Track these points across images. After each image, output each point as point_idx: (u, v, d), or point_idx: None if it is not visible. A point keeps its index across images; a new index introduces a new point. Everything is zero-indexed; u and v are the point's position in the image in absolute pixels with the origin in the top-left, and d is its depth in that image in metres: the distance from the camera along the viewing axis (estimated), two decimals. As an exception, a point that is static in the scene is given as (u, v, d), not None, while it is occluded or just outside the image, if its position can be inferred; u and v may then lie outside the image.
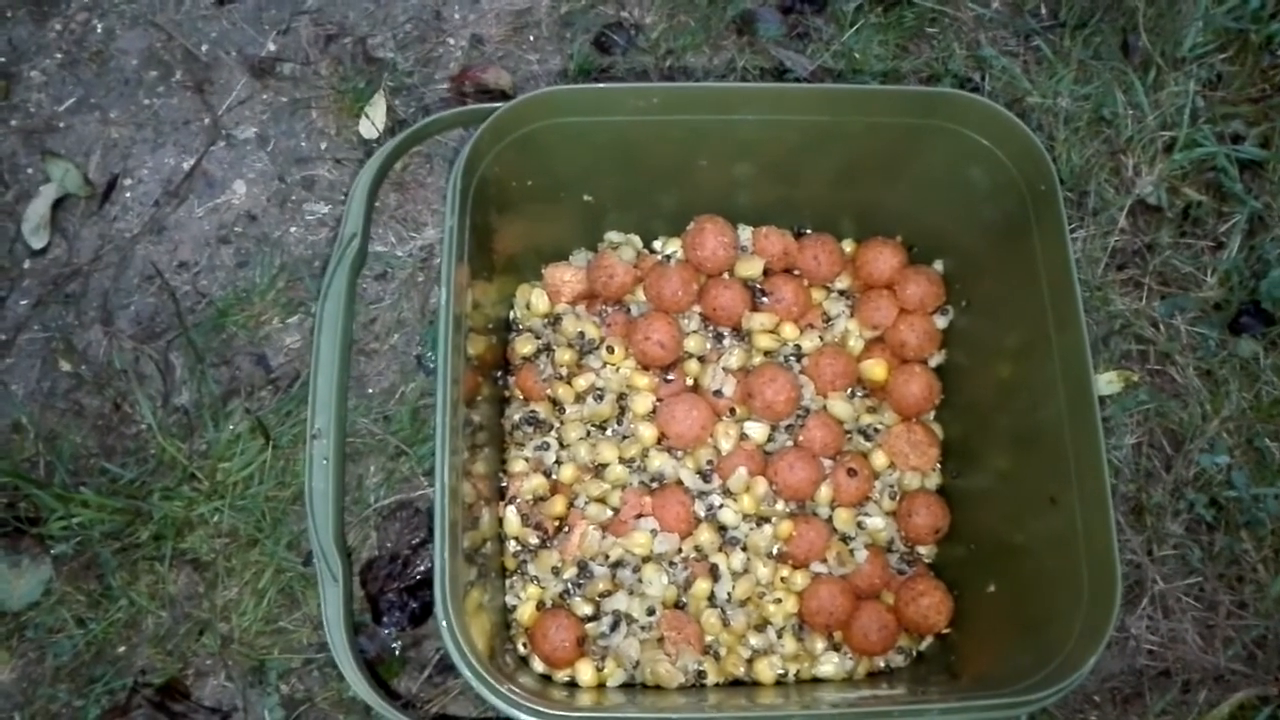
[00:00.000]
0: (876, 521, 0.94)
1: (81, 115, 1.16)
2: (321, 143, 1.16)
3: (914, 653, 0.93)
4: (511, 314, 1.02)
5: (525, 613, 0.90)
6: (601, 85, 0.90)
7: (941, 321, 0.99)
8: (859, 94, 0.91)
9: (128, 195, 1.13)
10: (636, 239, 1.02)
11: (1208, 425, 1.06)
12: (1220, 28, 1.19)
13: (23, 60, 1.18)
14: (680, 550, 0.92)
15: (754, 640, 0.91)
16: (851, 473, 0.94)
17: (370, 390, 1.06)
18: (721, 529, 0.93)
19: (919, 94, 0.91)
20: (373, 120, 1.15)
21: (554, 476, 0.95)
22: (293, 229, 1.12)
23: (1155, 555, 1.02)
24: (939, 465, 0.97)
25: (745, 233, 1.00)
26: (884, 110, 0.88)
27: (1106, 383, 1.06)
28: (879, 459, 0.96)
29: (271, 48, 1.19)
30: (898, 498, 0.96)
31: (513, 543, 0.94)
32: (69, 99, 1.17)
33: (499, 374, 0.99)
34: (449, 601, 0.72)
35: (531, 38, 1.21)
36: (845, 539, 0.94)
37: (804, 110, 0.88)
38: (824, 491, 0.93)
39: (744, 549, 0.92)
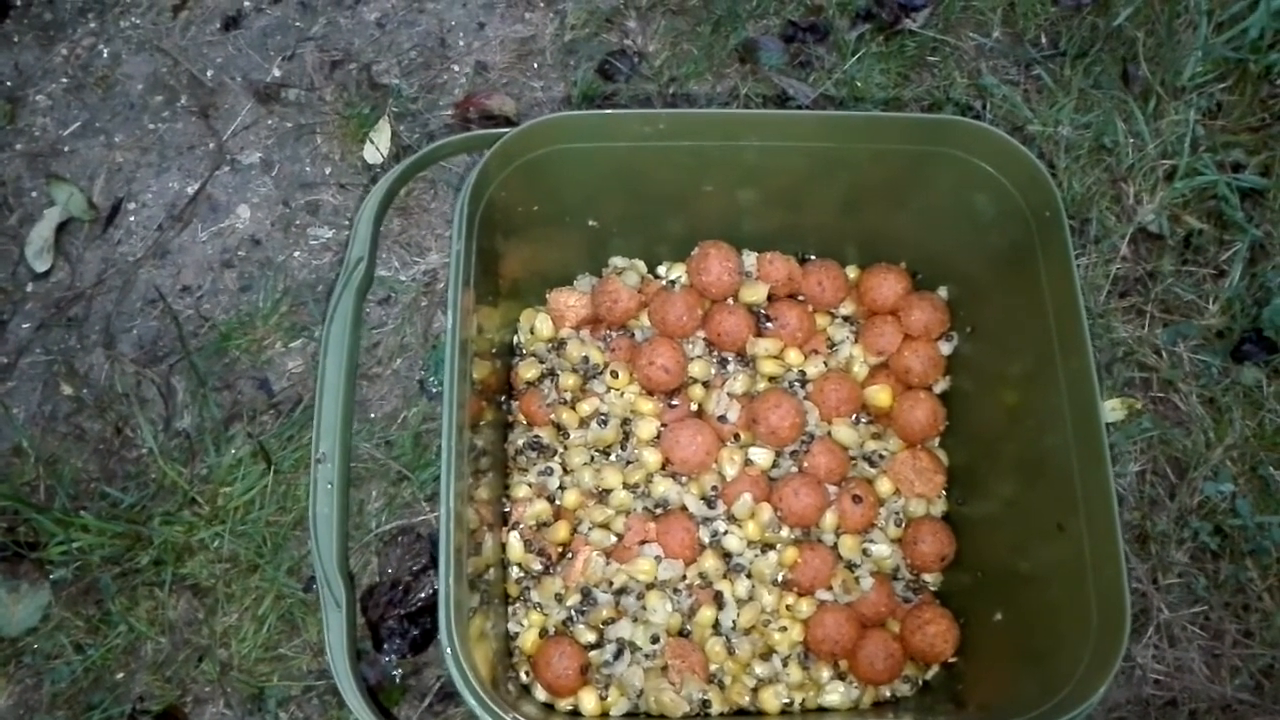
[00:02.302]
0: (882, 549, 0.94)
1: (86, 139, 1.17)
2: (326, 168, 1.16)
3: (920, 682, 0.92)
4: (515, 338, 1.02)
5: (528, 640, 0.90)
6: (608, 111, 0.90)
7: (946, 348, 0.99)
8: (863, 121, 0.91)
9: (131, 219, 1.13)
10: (641, 264, 1.02)
11: (1211, 453, 1.05)
12: (1219, 57, 1.19)
13: (28, 84, 1.19)
14: (684, 577, 0.91)
15: (759, 669, 0.90)
16: (856, 499, 0.93)
17: (372, 415, 1.06)
18: (726, 556, 0.92)
19: (923, 121, 0.92)
20: (377, 146, 1.16)
21: (557, 502, 0.94)
22: (296, 253, 1.12)
23: (1160, 584, 1.02)
24: (944, 492, 0.97)
25: (750, 258, 1.00)
26: (888, 137, 0.88)
27: (1110, 410, 1.06)
28: (884, 485, 0.96)
29: (276, 73, 1.20)
30: (903, 525, 0.95)
31: (515, 569, 0.93)
32: (74, 123, 1.17)
33: (503, 399, 0.99)
34: (453, 628, 0.71)
35: (535, 65, 1.22)
36: (850, 566, 0.93)
37: (809, 137, 0.89)
38: (829, 518, 0.93)
39: (749, 576, 0.91)
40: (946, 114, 1.18)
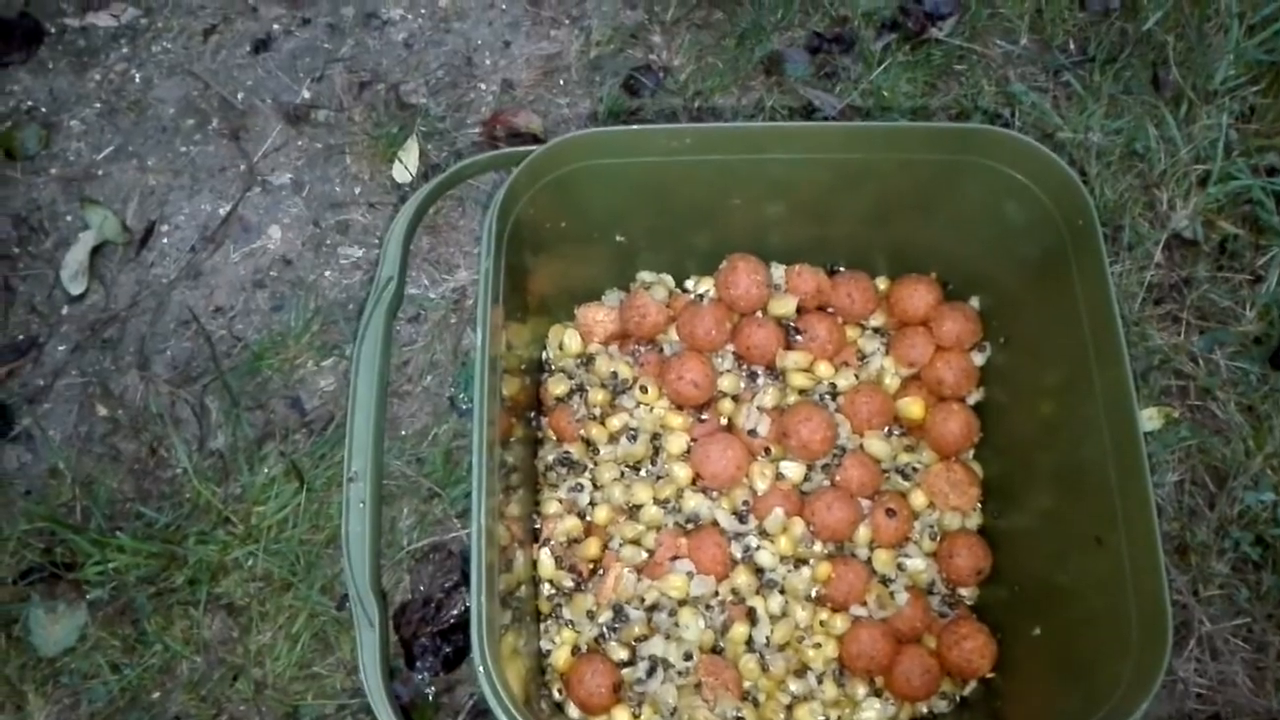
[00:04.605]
0: (917, 563, 0.93)
1: (119, 163, 1.18)
2: (356, 187, 1.17)
3: (958, 698, 0.91)
4: (544, 354, 1.02)
5: (560, 657, 0.89)
6: (634, 127, 0.90)
7: (979, 358, 0.98)
8: (891, 131, 0.90)
9: (165, 241, 1.15)
10: (669, 278, 1.02)
11: (1251, 461, 1.03)
12: (1252, 60, 1.18)
13: (63, 109, 1.20)
14: (717, 593, 0.91)
15: (794, 686, 0.89)
16: (890, 513, 0.92)
17: (403, 432, 1.06)
18: (758, 571, 0.91)
19: (952, 130, 0.91)
20: (406, 165, 1.16)
21: (588, 518, 0.94)
22: (327, 273, 1.13)
23: (1201, 595, 1.00)
24: (979, 505, 0.96)
25: (778, 271, 1.00)
26: (917, 147, 0.88)
27: (1147, 419, 1.05)
28: (918, 499, 0.95)
29: (306, 95, 1.21)
30: (938, 538, 0.94)
31: (547, 585, 0.93)
32: (107, 147, 1.19)
33: (532, 415, 0.99)
34: (486, 646, 0.71)
35: (561, 81, 1.22)
36: (885, 581, 0.92)
37: (835, 149, 0.88)
38: (862, 532, 0.92)
39: (782, 591, 0.91)
40: (975, 122, 1.17)
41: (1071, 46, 1.23)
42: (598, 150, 0.87)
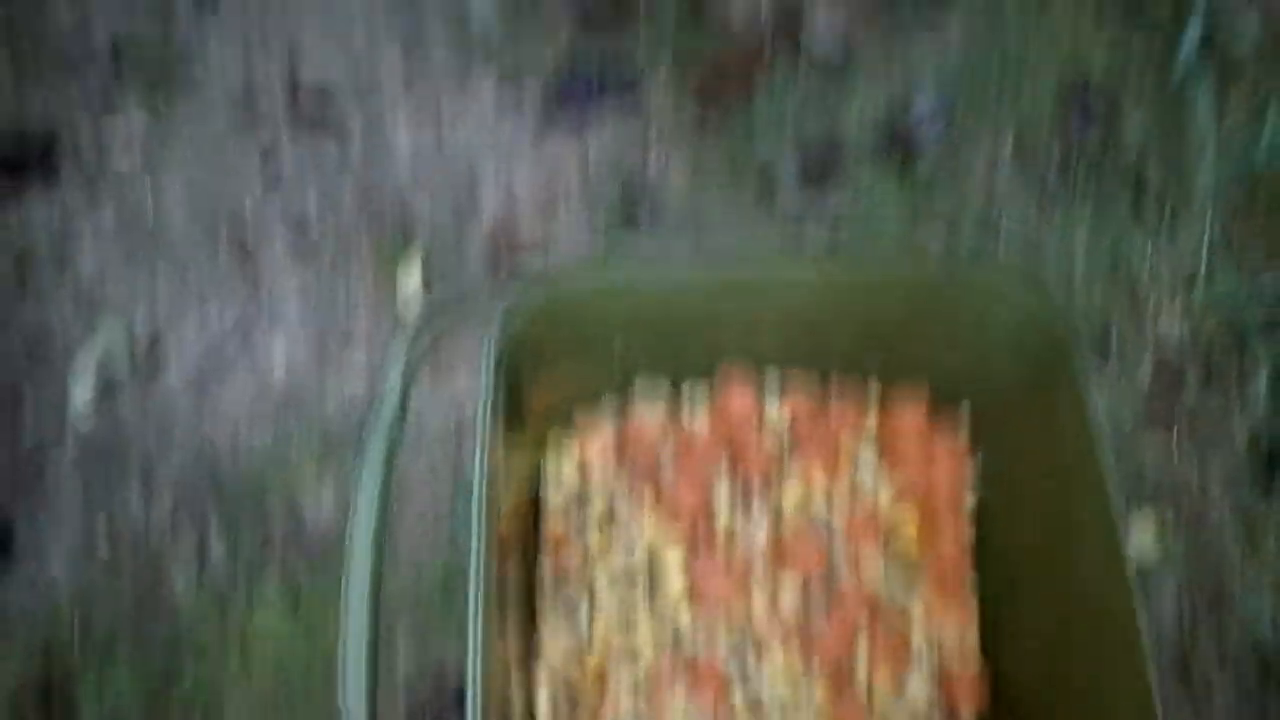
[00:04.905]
0: (915, 680, 0.92)
1: (129, 279, 1.21)
2: (361, 304, 1.19)
3: (960, 821, 0.89)
4: (541, 470, 1.03)
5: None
6: (631, 250, 0.93)
7: (971, 472, 0.99)
8: (876, 257, 0.94)
9: (172, 358, 1.17)
10: (665, 391, 1.04)
11: (1247, 574, 1.03)
12: (1233, 172, 1.21)
13: (74, 226, 1.23)
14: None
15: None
16: (887, 630, 0.92)
17: (400, 552, 1.06)
18: (756, 701, 0.91)
19: (936, 256, 0.94)
20: (411, 279, 1.19)
21: (586, 637, 0.94)
22: (332, 389, 1.15)
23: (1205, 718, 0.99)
24: (976, 622, 0.95)
25: (772, 382, 1.02)
26: (901, 271, 0.91)
27: (1141, 534, 1.05)
28: (916, 612, 0.95)
29: (314, 210, 1.25)
30: (936, 656, 0.94)
31: (545, 707, 0.92)
32: (118, 263, 1.22)
33: (528, 529, 0.99)
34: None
35: (563, 195, 1.26)
36: (882, 701, 0.92)
37: (824, 273, 0.91)
38: (862, 654, 0.92)
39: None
40: (962, 238, 1.20)
41: (1055, 159, 1.27)
42: (593, 275, 0.90)
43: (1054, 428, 0.85)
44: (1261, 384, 1.11)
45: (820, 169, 1.26)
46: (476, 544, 0.77)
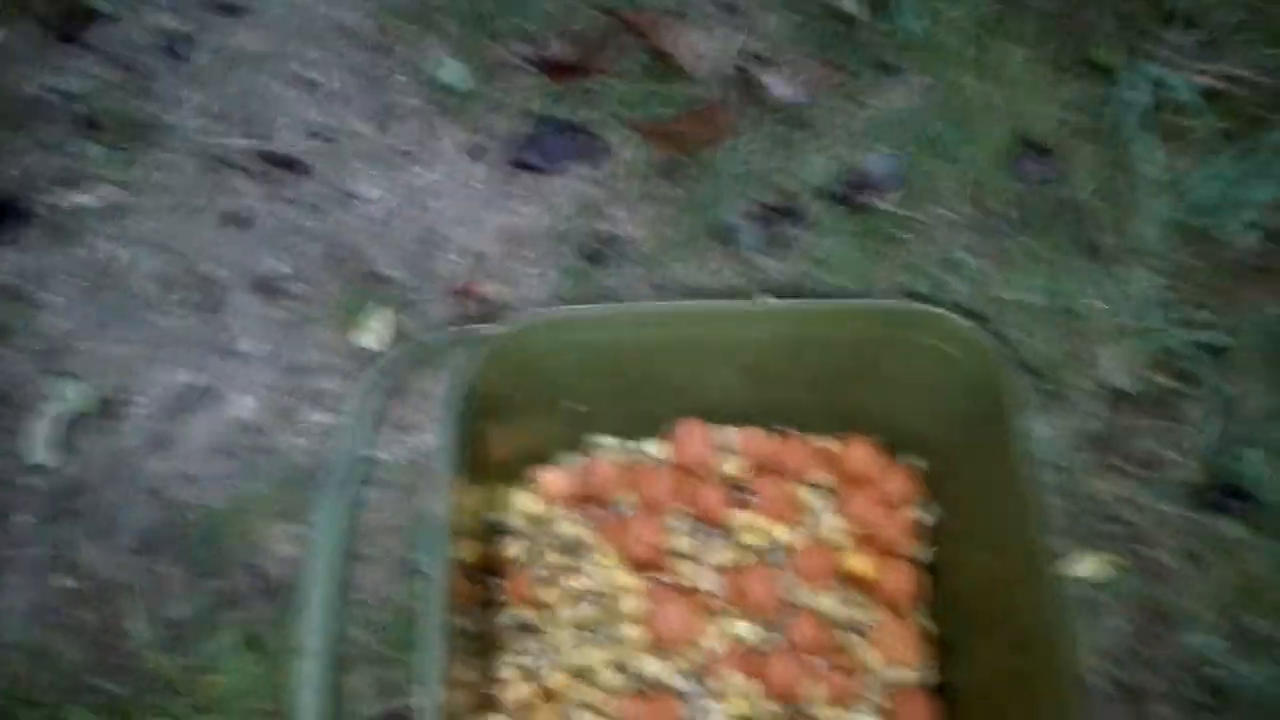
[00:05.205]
0: (864, 713, 0.93)
1: (94, 335, 1.22)
2: (326, 357, 1.21)
3: None
4: (500, 518, 1.04)
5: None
6: (591, 307, 0.98)
7: (924, 516, 1.01)
8: (828, 309, 0.98)
9: (136, 411, 1.18)
10: (622, 441, 1.05)
11: (1193, 606, 1.06)
12: (1179, 222, 1.26)
13: (42, 285, 1.24)
14: (672, 758, 0.90)
15: None
16: (841, 670, 0.93)
17: (359, 595, 1.07)
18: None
19: (885, 308, 0.97)
20: (376, 334, 1.21)
21: (542, 683, 0.94)
22: (296, 441, 1.16)
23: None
24: (930, 661, 0.97)
25: (728, 433, 1.04)
26: (853, 322, 0.94)
27: (1086, 567, 1.08)
28: (869, 655, 0.96)
29: (280, 268, 1.27)
30: (890, 695, 0.95)
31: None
32: (82, 319, 1.22)
33: (487, 577, 1.00)
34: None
35: (528, 253, 1.28)
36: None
37: (780, 324, 0.94)
38: (814, 689, 0.93)
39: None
40: (919, 289, 1.23)
41: (1010, 213, 1.31)
42: (554, 330, 0.92)
43: (995, 470, 0.88)
44: (1206, 422, 1.15)
45: (779, 221, 1.29)
46: (435, 592, 0.79)
